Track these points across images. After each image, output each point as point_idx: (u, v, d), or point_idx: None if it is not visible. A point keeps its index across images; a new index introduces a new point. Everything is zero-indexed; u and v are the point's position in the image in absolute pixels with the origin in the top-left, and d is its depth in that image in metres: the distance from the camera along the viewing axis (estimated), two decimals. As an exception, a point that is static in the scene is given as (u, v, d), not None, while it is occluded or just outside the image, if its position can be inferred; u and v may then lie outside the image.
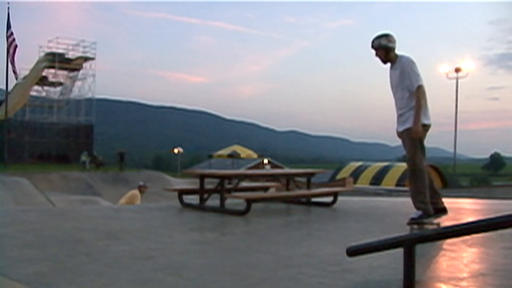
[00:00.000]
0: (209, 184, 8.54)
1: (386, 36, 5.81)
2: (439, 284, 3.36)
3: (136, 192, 12.72)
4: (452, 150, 44.09)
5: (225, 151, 39.28)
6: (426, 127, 5.75)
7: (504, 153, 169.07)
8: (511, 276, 3.61)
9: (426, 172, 5.65)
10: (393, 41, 5.81)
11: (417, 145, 5.66)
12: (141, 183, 13.32)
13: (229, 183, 8.22)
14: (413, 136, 5.61)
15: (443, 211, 5.80)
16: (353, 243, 3.20)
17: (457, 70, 41.19)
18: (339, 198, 8.53)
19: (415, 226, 5.67)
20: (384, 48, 5.82)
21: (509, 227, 2.33)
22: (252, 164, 48.66)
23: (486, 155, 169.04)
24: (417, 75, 5.64)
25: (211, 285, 3.40)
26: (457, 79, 41.29)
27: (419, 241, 2.77)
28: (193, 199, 8.61)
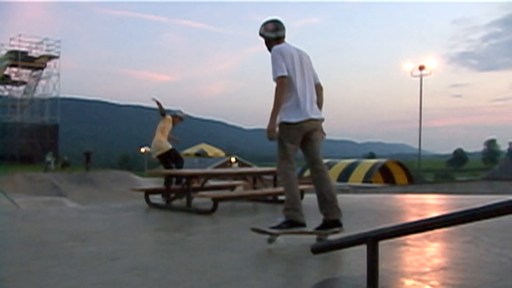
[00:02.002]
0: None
1: (264, 24, 5.11)
2: (402, 279, 3.44)
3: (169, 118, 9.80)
4: (417, 146, 44.80)
5: (192, 150, 39.23)
6: (290, 125, 4.76)
7: (466, 149, 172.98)
8: (470, 270, 3.71)
9: (292, 176, 4.85)
10: (271, 30, 5.05)
11: (281, 146, 4.85)
12: (179, 111, 10.06)
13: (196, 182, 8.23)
14: (267, 136, 4.78)
15: (333, 223, 4.84)
16: (321, 241, 3.25)
17: (421, 68, 41.89)
18: (306, 195, 8.59)
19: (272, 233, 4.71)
20: (262, 37, 5.14)
21: (469, 222, 2.39)
22: (219, 163, 48.63)
23: (450, 151, 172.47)
24: (278, 66, 4.73)
25: (177, 285, 3.40)
26: (421, 76, 42.02)
27: (382, 237, 2.82)
28: (160, 198, 8.60)
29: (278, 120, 4.75)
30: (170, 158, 9.38)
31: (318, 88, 5.10)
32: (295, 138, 4.82)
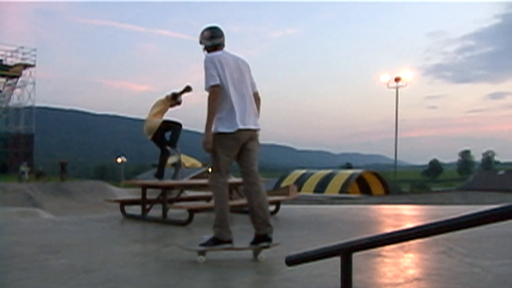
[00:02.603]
0: (153, 194, 8.47)
1: (201, 32, 5.02)
2: (375, 291, 3.45)
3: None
4: (393, 157, 45.22)
5: (169, 160, 38.91)
6: (224, 135, 4.62)
7: (442, 160, 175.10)
8: (443, 280, 3.74)
9: (223, 191, 4.71)
10: (207, 38, 4.95)
11: (214, 158, 4.72)
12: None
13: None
14: (203, 148, 4.68)
15: (262, 238, 4.64)
16: (293, 252, 3.24)
17: (397, 79, 42.38)
18: (283, 206, 8.61)
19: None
20: (201, 45, 5.05)
21: (442, 233, 2.42)
22: (197, 173, 48.45)
23: (426, 162, 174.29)
24: (209, 75, 4.63)
25: (151, 298, 3.37)
26: (397, 88, 42.52)
27: (355, 249, 2.83)
28: (136, 209, 8.52)
29: (213, 130, 4.65)
30: (164, 138, 8.47)
31: (256, 97, 4.98)
32: (231, 148, 4.68)
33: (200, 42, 5.00)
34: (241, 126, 4.61)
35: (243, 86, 4.79)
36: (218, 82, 4.59)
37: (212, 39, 4.94)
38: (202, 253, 4.61)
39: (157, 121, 8.28)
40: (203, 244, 4.62)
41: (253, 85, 4.96)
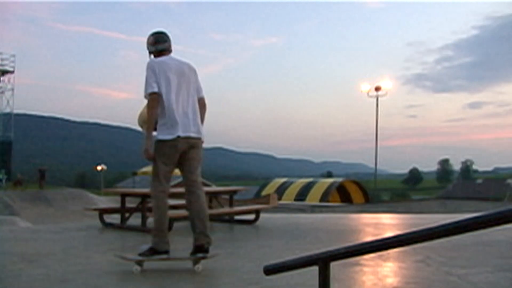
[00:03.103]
0: (133, 202, 8.41)
1: (147, 38, 4.95)
2: (353, 300, 3.46)
3: None
4: (373, 165, 45.44)
5: (149, 168, 38.57)
6: (163, 143, 4.58)
7: (422, 168, 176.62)
8: (421, 290, 3.77)
9: (161, 200, 4.63)
10: (151, 43, 4.88)
11: (154, 165, 4.67)
12: None
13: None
14: (144, 157, 4.66)
15: (198, 249, 4.60)
16: (272, 261, 3.24)
17: (377, 88, 42.59)
18: (263, 215, 8.61)
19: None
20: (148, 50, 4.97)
21: (420, 242, 2.43)
22: (177, 182, 48.27)
23: (406, 170, 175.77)
24: (148, 83, 4.60)
25: (129, 308, 3.34)
26: (377, 97, 42.72)
27: (334, 259, 2.83)
28: (115, 218, 8.46)
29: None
30: None
31: (201, 103, 4.90)
32: (170, 156, 4.60)
33: (147, 48, 4.93)
34: (180, 134, 4.56)
35: (186, 93, 4.71)
36: (155, 89, 4.55)
37: (157, 45, 4.86)
38: (139, 262, 4.54)
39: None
40: (140, 254, 4.55)
41: (199, 90, 4.89)
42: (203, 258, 4.57)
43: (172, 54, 4.93)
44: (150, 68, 4.63)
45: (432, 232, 2.34)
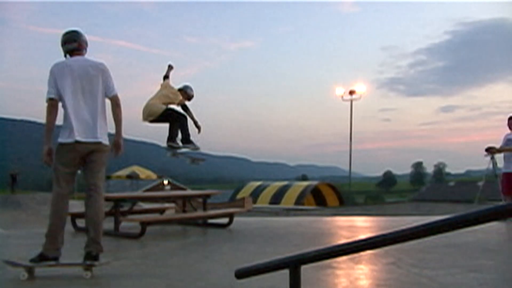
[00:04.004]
0: (106, 206, 8.32)
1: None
2: (325, 302, 3.49)
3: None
4: (348, 169, 45.74)
5: (123, 172, 38.36)
6: (62, 146, 4.54)
7: (395, 171, 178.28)
8: (391, 291, 3.81)
9: (58, 203, 4.52)
10: (61, 44, 4.78)
11: (53, 168, 4.58)
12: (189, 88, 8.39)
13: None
14: (43, 161, 4.62)
15: (88, 255, 4.49)
16: (246, 265, 3.25)
17: (351, 92, 42.90)
18: (237, 218, 8.62)
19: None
20: None
21: (390, 245, 2.46)
22: (151, 185, 47.97)
23: (380, 173, 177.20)
24: (48, 88, 4.56)
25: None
26: (351, 101, 43.04)
27: (304, 262, 2.85)
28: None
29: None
30: (167, 120, 7.83)
31: (113, 102, 4.79)
32: (69, 160, 4.52)
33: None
34: (78, 138, 4.48)
35: (89, 96, 4.62)
36: (52, 95, 4.52)
37: (66, 45, 4.76)
38: (28, 269, 4.42)
39: (161, 107, 7.73)
40: (31, 260, 4.44)
41: (108, 90, 4.75)
42: (92, 265, 4.45)
43: (87, 54, 4.83)
44: (50, 72, 4.57)
45: (402, 234, 2.37)
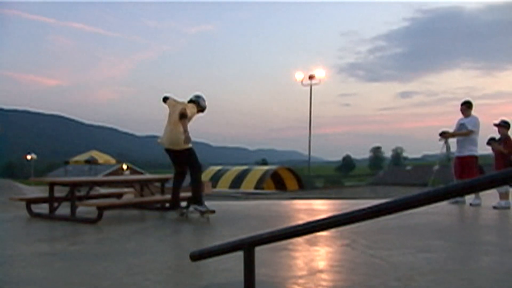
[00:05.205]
0: (62, 191, 8.22)
1: None
2: (278, 283, 3.55)
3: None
4: (307, 153, 46.14)
5: (82, 157, 37.68)
6: None
7: (354, 156, 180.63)
8: (344, 271, 3.90)
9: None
10: None
11: None
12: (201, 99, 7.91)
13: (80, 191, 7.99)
14: None
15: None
16: (201, 247, 3.28)
17: (311, 77, 43.19)
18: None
19: None
20: None
21: (341, 225, 2.52)
22: (110, 170, 47.40)
23: (339, 158, 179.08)
24: None
25: (53, 298, 3.29)
26: (311, 86, 43.34)
27: (258, 243, 2.90)
28: (44, 208, 8.24)
29: None
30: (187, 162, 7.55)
31: None
32: None
33: None
34: None
35: None
36: None
37: None
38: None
39: (185, 146, 7.37)
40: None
41: None
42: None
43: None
44: None
45: (353, 216, 2.43)
